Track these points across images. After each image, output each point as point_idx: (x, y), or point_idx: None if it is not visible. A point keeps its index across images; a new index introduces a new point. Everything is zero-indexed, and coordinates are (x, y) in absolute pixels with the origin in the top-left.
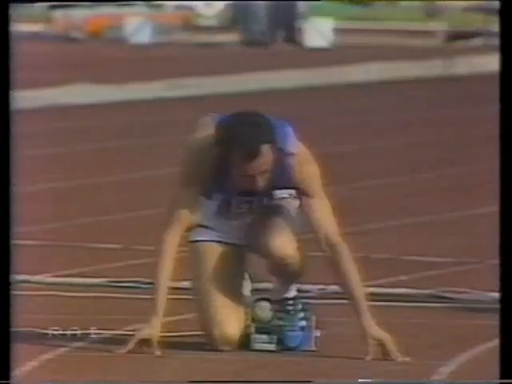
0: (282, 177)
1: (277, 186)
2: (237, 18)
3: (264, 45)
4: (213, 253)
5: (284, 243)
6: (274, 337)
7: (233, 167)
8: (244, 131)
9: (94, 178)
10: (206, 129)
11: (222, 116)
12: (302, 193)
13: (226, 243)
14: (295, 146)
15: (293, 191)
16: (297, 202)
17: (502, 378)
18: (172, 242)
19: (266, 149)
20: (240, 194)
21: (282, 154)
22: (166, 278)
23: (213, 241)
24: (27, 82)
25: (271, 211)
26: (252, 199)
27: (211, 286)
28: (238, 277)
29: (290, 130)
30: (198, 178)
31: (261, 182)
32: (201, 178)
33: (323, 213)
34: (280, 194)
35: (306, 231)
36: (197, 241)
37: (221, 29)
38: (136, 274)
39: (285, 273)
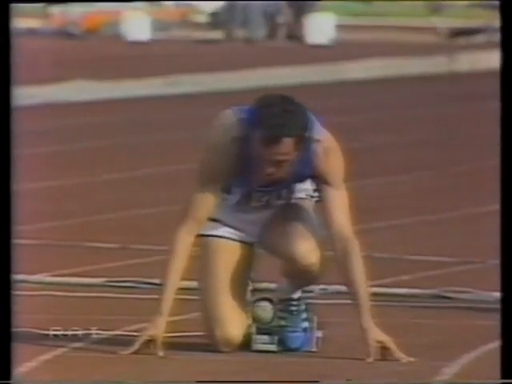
0: (306, 164)
1: (300, 173)
2: (221, 15)
3: (248, 41)
4: (221, 250)
5: (309, 251)
6: (275, 337)
7: (254, 146)
8: (276, 114)
9: (92, 176)
10: (227, 122)
11: (262, 97)
12: (322, 181)
13: (237, 240)
14: (321, 133)
15: (311, 192)
16: (313, 203)
17: (503, 378)
18: (185, 241)
19: (288, 142)
20: (260, 185)
21: (307, 141)
22: (175, 277)
23: (222, 237)
24: (24, 78)
25: (291, 211)
26: (271, 190)
27: (216, 285)
28: (243, 276)
29: (314, 118)
30: (218, 176)
31: (276, 171)
32: (221, 175)
33: (340, 205)
34: (298, 191)
35: (325, 234)
36: (207, 235)
37: (218, 25)
38: (135, 274)
39: (303, 278)
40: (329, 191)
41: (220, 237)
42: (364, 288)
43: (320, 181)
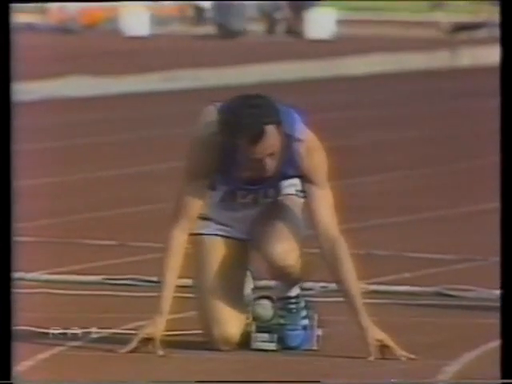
0: (289, 164)
1: (284, 172)
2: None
3: (234, 36)
4: (215, 248)
5: (285, 252)
6: (275, 336)
7: (239, 152)
8: (247, 113)
9: (90, 173)
10: (210, 118)
11: (225, 102)
12: (306, 181)
13: (230, 237)
14: (303, 132)
15: (299, 187)
16: (302, 200)
17: (503, 376)
18: (179, 238)
19: (271, 129)
20: (245, 183)
21: (289, 140)
22: (172, 275)
23: (216, 235)
24: (23, 74)
25: (276, 209)
26: (258, 188)
27: (213, 283)
28: (240, 274)
29: (297, 117)
30: (204, 170)
31: (269, 165)
32: (207, 170)
33: (325, 204)
34: (286, 186)
35: (311, 232)
36: (199, 234)
37: (213, 21)
38: (133, 271)
39: (284, 279)
40: (313, 191)
41: (213, 235)
42: (356, 286)
43: (304, 180)
